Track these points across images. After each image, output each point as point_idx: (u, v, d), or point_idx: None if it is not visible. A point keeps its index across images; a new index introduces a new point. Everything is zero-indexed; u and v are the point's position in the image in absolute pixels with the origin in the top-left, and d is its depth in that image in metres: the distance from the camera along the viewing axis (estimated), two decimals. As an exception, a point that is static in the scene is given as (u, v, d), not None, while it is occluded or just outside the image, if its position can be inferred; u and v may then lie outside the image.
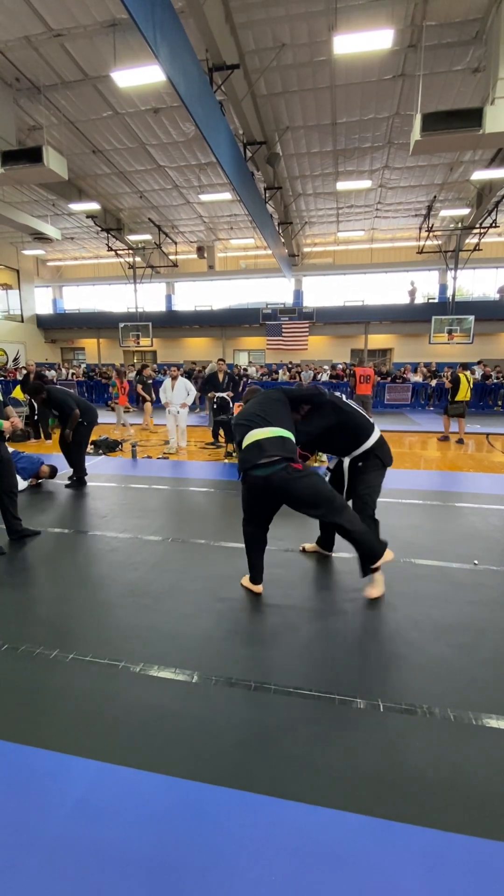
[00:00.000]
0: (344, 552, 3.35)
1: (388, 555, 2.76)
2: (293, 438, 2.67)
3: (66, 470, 5.49)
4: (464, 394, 8.43)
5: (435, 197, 14.36)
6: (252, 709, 1.92)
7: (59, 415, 5.24)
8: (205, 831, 1.42)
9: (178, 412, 7.50)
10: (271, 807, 1.49)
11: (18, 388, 8.91)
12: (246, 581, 2.94)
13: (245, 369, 16.86)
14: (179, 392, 7.43)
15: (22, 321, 21.04)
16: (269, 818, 1.46)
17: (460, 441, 8.58)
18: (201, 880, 1.28)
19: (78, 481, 5.30)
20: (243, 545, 2.87)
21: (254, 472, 2.55)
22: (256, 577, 2.87)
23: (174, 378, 7.51)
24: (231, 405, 8.05)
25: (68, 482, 5.30)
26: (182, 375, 7.78)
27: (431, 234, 15.46)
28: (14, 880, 1.28)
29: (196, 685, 2.05)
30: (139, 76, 7.29)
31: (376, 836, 1.41)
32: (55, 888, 1.26)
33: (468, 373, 8.81)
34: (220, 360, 8.27)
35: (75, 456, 5.29)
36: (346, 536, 2.64)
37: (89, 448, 7.39)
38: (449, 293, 17.14)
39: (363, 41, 6.76)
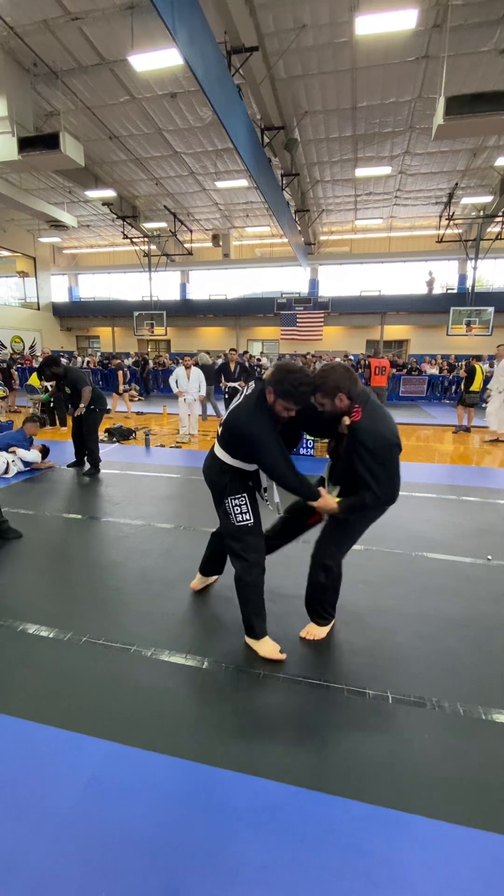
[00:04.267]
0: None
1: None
2: None
3: (64, 458, 5.56)
4: (478, 384, 8.45)
5: (457, 184, 13.97)
6: (261, 696, 1.94)
7: (70, 393, 5.28)
8: (211, 813, 1.44)
9: (194, 400, 7.60)
10: (278, 792, 1.51)
11: (35, 375, 9.00)
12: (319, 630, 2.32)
13: (258, 359, 16.77)
14: (193, 382, 7.52)
15: (38, 309, 21.21)
16: (275, 803, 1.48)
17: (467, 430, 8.77)
18: (207, 861, 1.31)
19: (93, 468, 5.36)
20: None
21: None
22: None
23: (188, 368, 7.56)
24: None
25: (85, 471, 5.37)
26: (195, 365, 7.80)
27: (452, 222, 15.07)
28: (28, 853, 1.33)
29: (206, 671, 2.08)
30: (157, 60, 7.21)
31: (381, 825, 1.42)
32: (66, 862, 1.30)
33: (481, 363, 8.81)
34: (231, 349, 8.27)
35: (90, 444, 5.35)
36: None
37: (103, 436, 7.48)
38: (468, 283, 16.75)
39: (386, 22, 6.57)
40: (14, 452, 5.20)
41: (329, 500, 2.03)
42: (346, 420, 1.92)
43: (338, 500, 2.04)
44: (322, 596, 2.28)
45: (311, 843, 1.36)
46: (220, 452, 2.15)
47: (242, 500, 2.10)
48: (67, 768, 1.59)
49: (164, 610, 2.57)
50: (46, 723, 1.78)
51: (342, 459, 2.02)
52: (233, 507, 2.10)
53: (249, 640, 2.20)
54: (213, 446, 2.23)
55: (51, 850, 1.33)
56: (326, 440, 2.33)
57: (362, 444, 1.86)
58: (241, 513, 2.10)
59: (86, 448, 5.41)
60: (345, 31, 7.76)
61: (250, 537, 2.11)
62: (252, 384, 2.10)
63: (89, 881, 1.26)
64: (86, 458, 5.46)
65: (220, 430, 2.19)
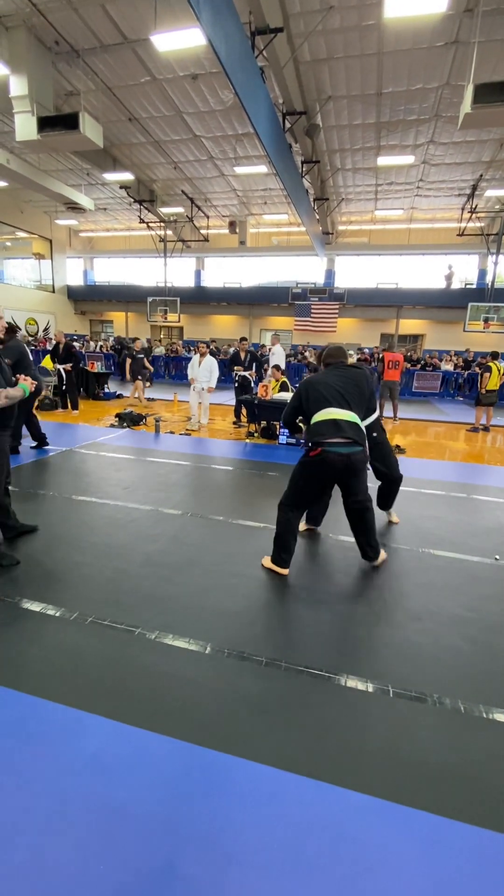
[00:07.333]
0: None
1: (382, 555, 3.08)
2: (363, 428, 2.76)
3: (74, 440, 5.58)
4: (495, 383, 8.32)
5: (481, 175, 13.62)
6: (262, 683, 1.95)
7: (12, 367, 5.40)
8: (210, 795, 1.47)
9: (203, 389, 7.52)
10: (276, 778, 1.53)
11: (48, 357, 9.04)
12: (269, 563, 2.92)
13: (270, 349, 16.64)
14: (204, 370, 7.44)
15: (53, 291, 21.23)
16: (273, 788, 1.49)
17: (486, 429, 8.70)
18: (204, 841, 1.33)
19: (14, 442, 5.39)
20: (261, 525, 2.88)
21: (333, 448, 2.55)
22: (287, 561, 2.88)
23: (202, 355, 7.50)
24: (254, 385, 8.00)
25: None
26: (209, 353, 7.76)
27: (474, 215, 14.73)
28: (29, 824, 1.36)
29: (209, 656, 2.10)
30: (179, 40, 7.08)
31: (377, 815, 1.43)
32: (66, 836, 1.33)
33: (498, 362, 8.62)
34: (242, 339, 8.21)
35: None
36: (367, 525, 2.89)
37: (114, 420, 7.52)
38: (488, 279, 16.42)
39: (416, 4, 6.36)
40: None
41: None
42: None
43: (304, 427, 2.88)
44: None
45: (307, 829, 1.37)
46: None
47: None
48: (70, 744, 1.62)
49: (170, 594, 2.59)
50: (51, 699, 1.81)
51: None
52: None
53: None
54: None
55: (51, 823, 1.36)
56: None
57: None
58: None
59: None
60: (373, 13, 7.54)
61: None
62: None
63: (88, 854, 1.29)
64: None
65: None
